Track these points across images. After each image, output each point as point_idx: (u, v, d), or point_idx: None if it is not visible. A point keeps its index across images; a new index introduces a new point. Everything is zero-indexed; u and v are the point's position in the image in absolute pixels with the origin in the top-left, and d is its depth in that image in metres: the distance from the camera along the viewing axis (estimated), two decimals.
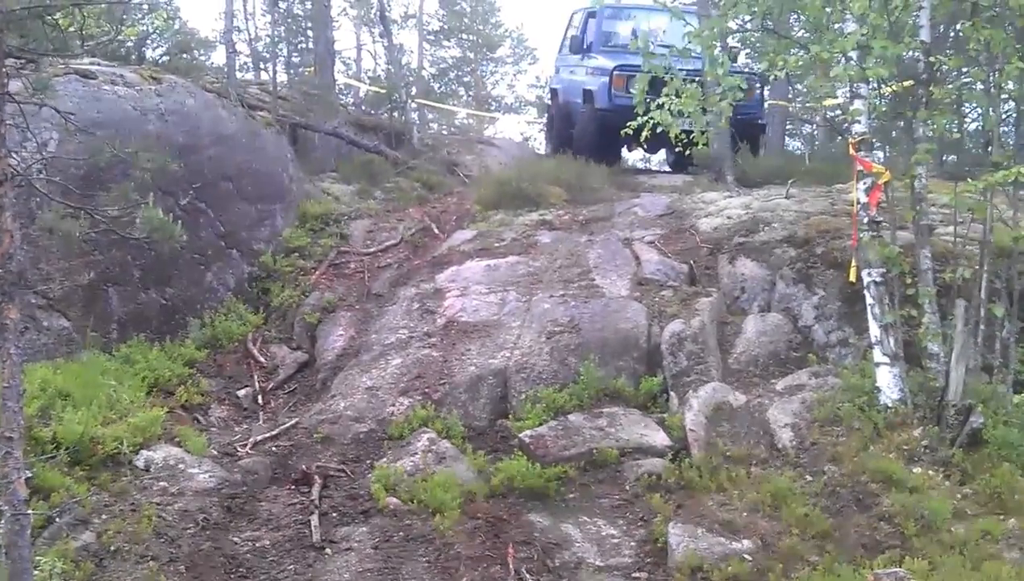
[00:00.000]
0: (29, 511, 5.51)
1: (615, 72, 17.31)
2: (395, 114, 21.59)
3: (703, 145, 11.65)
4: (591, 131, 18.25)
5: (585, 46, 19.41)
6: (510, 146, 24.45)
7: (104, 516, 7.67)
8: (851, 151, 9.90)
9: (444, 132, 30.07)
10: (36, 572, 6.32)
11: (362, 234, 14.78)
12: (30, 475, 5.67)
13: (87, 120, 10.75)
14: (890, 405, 9.07)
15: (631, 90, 15.96)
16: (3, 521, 5.50)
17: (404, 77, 23.18)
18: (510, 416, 10.05)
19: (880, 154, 10.09)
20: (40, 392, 8.77)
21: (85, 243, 10.31)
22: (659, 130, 10.90)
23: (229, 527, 8.08)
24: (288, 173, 14.78)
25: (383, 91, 22.63)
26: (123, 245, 10.62)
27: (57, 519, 7.36)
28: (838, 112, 10.82)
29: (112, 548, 7.29)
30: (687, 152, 12.24)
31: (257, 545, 7.86)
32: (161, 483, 8.37)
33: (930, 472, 8.37)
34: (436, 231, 14.75)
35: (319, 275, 13.36)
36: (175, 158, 10.48)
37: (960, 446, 8.56)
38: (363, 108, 23.89)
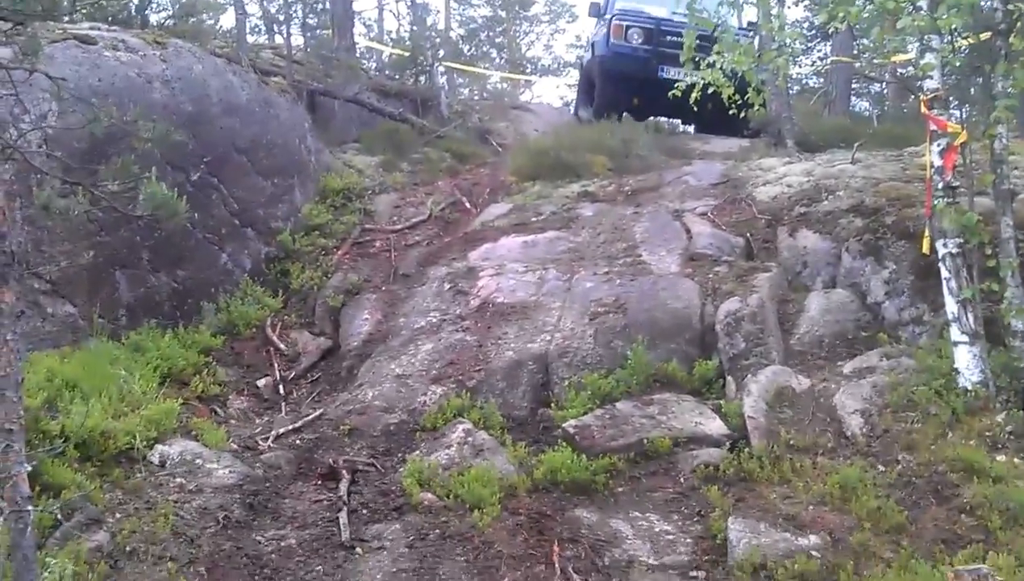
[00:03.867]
0: (30, 508, 5.58)
1: (613, 20, 18.75)
2: (421, 79, 21.63)
3: (759, 107, 11.68)
4: (597, 83, 19.61)
5: (603, 12, 20.46)
6: (547, 111, 24.52)
7: (118, 515, 7.78)
8: (923, 110, 9.83)
9: (475, 98, 30.08)
10: (46, 574, 6.43)
11: (388, 209, 14.87)
12: (30, 468, 5.71)
13: (86, 88, 10.94)
14: (970, 388, 9.01)
15: (629, 39, 16.93)
16: (4, 520, 5.56)
17: (430, 39, 23.19)
18: (552, 404, 10.09)
19: (956, 113, 9.99)
20: (46, 383, 8.88)
21: (90, 223, 10.44)
22: (710, 90, 11.03)
23: (252, 526, 8.16)
24: (306, 144, 14.87)
25: (407, 54, 22.68)
26: (130, 225, 10.76)
27: (64, 520, 7.46)
28: (908, 68, 10.70)
29: (127, 549, 7.39)
30: (741, 113, 12.18)
31: (282, 545, 7.92)
32: (178, 479, 8.48)
33: (1015, 460, 8.30)
34: (468, 205, 14.83)
35: (342, 254, 13.44)
36: (183, 129, 10.65)
37: None
38: (386, 73, 23.93)
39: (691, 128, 20.95)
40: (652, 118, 19.27)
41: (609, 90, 18.98)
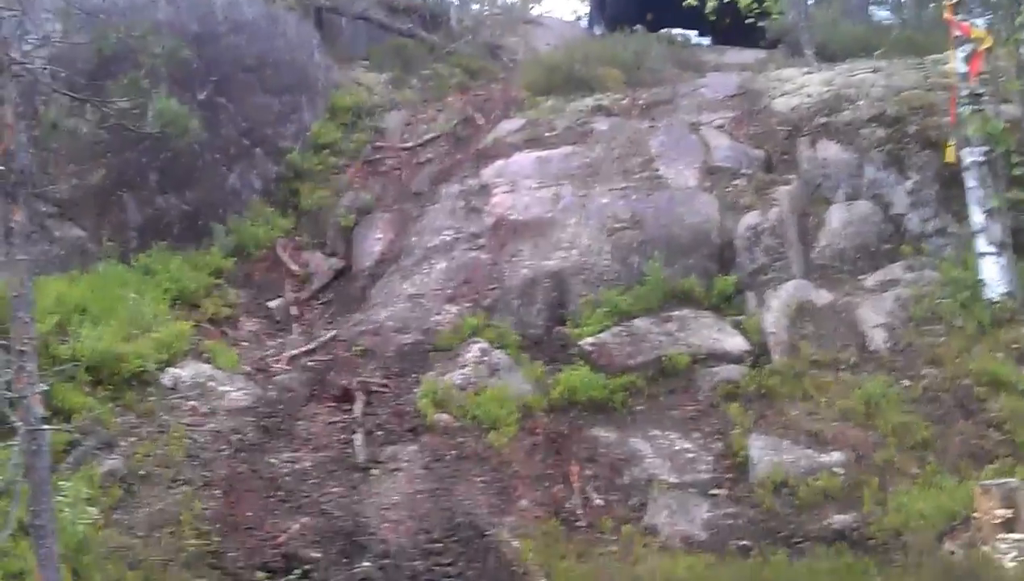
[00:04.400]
0: (45, 428, 5.52)
1: None
2: None
3: (776, 14, 11.47)
4: None
5: None
6: (560, 26, 24.09)
7: (131, 438, 7.80)
8: (946, 15, 9.64)
9: (486, 13, 29.64)
10: (60, 498, 6.40)
11: (398, 127, 14.66)
12: (46, 388, 5.67)
13: (91, 7, 10.73)
14: (996, 299, 8.91)
15: None
16: (19, 440, 5.52)
17: None
18: (568, 322, 9.99)
19: (979, 21, 9.80)
20: (55, 306, 8.79)
21: (96, 144, 10.32)
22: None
23: (266, 448, 8.17)
24: (314, 62, 14.64)
25: None
26: (138, 146, 10.64)
27: (77, 444, 7.45)
28: None
29: (141, 472, 7.41)
30: (758, 22, 11.94)
31: (297, 467, 7.94)
32: (191, 402, 8.48)
33: None
34: (480, 121, 14.59)
35: (353, 173, 13.28)
36: (189, 47, 10.47)
37: None
38: None
39: (705, 40, 20.64)
40: (665, 30, 18.94)
41: (621, 4, 18.64)
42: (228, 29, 12.93)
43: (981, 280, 9.04)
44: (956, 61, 9.55)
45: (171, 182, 11.50)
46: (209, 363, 9.19)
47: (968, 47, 9.42)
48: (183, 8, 12.35)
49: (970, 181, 9.22)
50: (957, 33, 9.52)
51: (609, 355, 9.29)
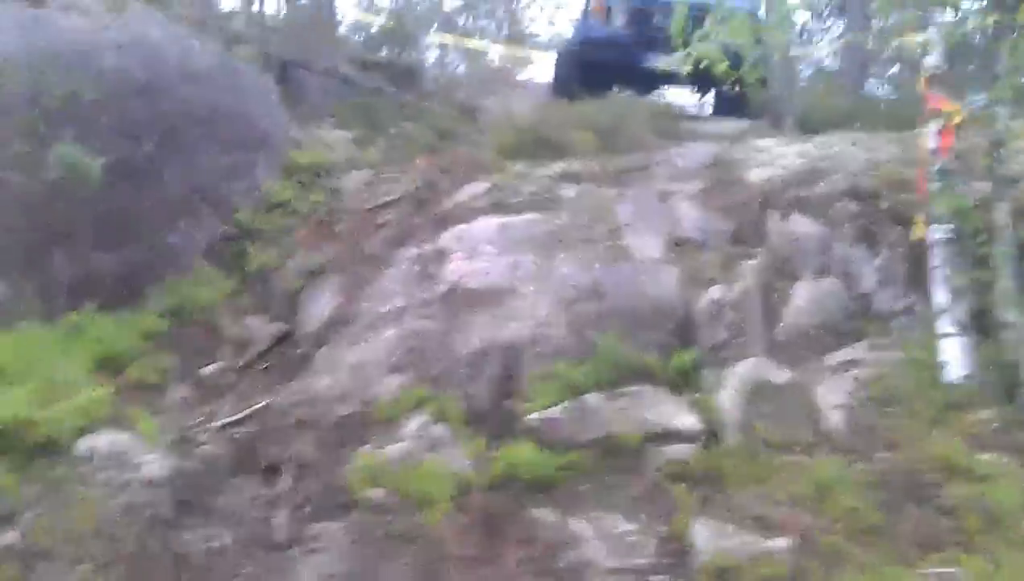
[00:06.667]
0: None
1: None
2: (408, 52, 21.49)
3: (758, 82, 11.63)
4: (570, 65, 20.16)
5: None
6: (540, 89, 24.35)
7: (36, 511, 7.74)
8: (922, 87, 9.78)
9: (463, 72, 29.94)
10: None
11: (358, 188, 14.69)
12: None
13: (34, 52, 10.89)
14: (956, 383, 8.98)
15: (611, 19, 17.05)
16: None
17: (414, 6, 23.10)
18: (517, 396, 9.98)
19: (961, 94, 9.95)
20: None
21: (25, 196, 10.37)
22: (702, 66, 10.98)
23: (181, 523, 8.13)
24: (272, 117, 14.72)
25: (392, 24, 22.50)
26: (71, 199, 10.68)
27: None
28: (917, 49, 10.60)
29: (41, 548, 7.36)
30: (739, 90, 12.13)
31: (213, 544, 7.92)
32: (105, 473, 8.38)
33: (1001, 458, 8.27)
34: (444, 184, 14.69)
35: (305, 235, 13.27)
36: (136, 97, 10.58)
37: None
38: (369, 45, 23.76)
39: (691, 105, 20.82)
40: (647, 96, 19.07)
41: (585, 72, 18.59)
42: (180, 79, 12.96)
43: (942, 362, 9.12)
44: (928, 135, 9.65)
45: (106, 238, 11.48)
46: (129, 432, 9.09)
47: (940, 121, 9.54)
48: (132, 56, 12.41)
49: (935, 259, 9.33)
50: (931, 106, 9.65)
51: (556, 431, 9.31)
